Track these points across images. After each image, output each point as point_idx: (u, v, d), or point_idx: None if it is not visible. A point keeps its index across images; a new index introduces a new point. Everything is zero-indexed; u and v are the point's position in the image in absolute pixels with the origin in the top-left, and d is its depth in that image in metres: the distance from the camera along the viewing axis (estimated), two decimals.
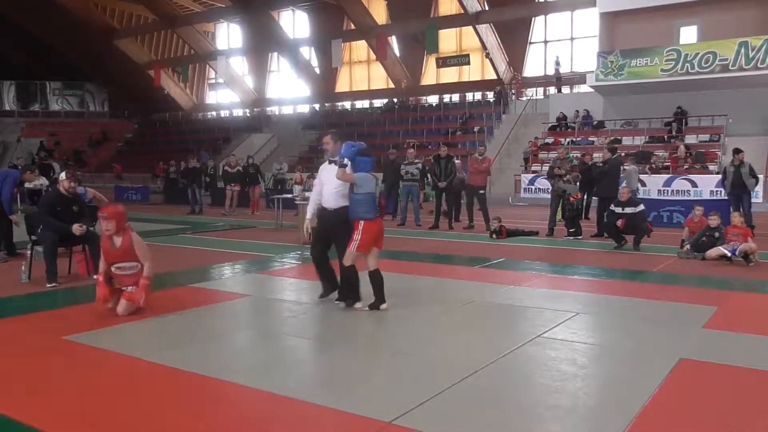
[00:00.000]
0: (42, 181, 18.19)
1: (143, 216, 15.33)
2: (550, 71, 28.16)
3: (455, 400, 3.69)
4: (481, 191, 13.19)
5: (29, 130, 37.80)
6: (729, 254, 8.55)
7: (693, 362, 4.38)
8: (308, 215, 6.29)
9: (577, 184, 11.66)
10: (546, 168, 15.90)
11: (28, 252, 7.58)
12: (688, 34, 21.79)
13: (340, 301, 6.00)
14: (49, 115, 39.98)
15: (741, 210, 11.29)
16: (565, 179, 11.52)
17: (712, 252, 8.71)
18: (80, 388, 3.95)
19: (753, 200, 12.57)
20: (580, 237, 11.19)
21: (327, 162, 6.15)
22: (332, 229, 6.02)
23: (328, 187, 5.99)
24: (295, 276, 7.87)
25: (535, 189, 20.63)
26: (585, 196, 13.35)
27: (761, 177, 12.80)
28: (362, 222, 5.63)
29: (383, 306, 5.76)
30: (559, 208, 12.12)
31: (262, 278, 7.80)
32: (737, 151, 12.30)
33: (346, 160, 5.66)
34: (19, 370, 4.26)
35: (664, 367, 4.21)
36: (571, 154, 14.73)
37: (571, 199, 11.32)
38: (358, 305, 5.81)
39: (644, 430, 3.31)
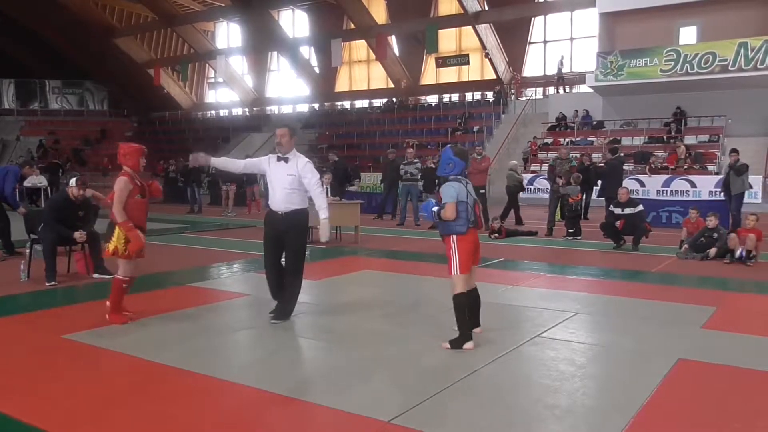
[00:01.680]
0: (41, 181, 18.22)
1: None
2: (550, 71, 28.11)
3: (455, 400, 3.70)
4: (482, 191, 13.16)
5: (28, 129, 37.72)
6: (740, 255, 8.55)
7: (691, 362, 4.38)
8: (215, 161, 5.58)
9: (578, 186, 11.64)
10: (545, 168, 15.90)
11: (27, 251, 7.59)
12: (688, 35, 21.76)
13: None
14: (48, 114, 39.83)
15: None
16: (563, 182, 11.47)
17: (731, 242, 8.72)
18: (79, 387, 3.95)
19: (753, 200, 12.49)
20: (579, 237, 11.19)
21: (276, 158, 5.36)
22: (282, 236, 5.35)
23: (279, 186, 5.28)
24: None
25: (535, 189, 20.61)
26: (584, 197, 13.35)
27: (760, 177, 12.72)
28: (455, 236, 4.71)
29: (477, 330, 4.92)
30: (558, 209, 12.13)
31: (262, 277, 7.74)
32: (731, 152, 12.32)
33: (442, 206, 4.67)
34: (19, 369, 4.27)
35: (662, 367, 4.22)
36: (571, 155, 14.71)
37: (570, 200, 11.32)
38: (467, 346, 4.64)
39: (643, 430, 3.32)
